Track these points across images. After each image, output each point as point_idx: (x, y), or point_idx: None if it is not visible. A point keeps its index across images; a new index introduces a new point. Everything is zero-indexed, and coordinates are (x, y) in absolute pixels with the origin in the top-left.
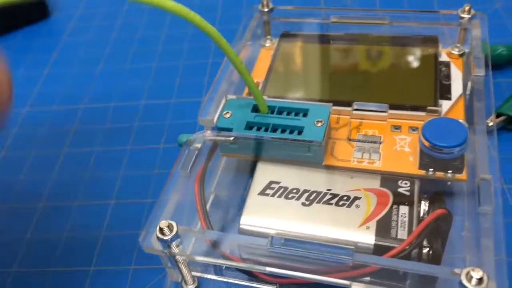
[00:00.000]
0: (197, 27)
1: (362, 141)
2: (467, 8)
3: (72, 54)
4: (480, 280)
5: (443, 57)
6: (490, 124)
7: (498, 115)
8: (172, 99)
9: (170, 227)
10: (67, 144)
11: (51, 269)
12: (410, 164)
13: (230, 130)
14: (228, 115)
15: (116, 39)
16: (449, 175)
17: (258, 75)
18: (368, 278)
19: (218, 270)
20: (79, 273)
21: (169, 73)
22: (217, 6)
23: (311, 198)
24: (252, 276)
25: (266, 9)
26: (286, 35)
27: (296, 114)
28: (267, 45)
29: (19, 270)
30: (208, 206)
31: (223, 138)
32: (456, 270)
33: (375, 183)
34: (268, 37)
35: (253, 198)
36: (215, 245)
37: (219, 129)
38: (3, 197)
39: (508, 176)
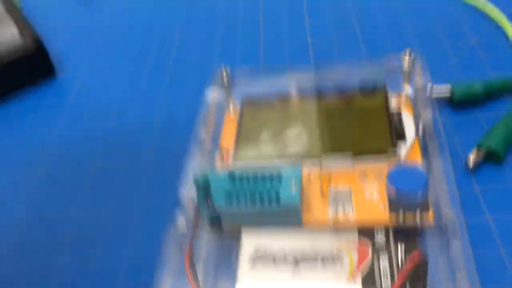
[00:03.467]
0: None
1: (334, 194)
2: (407, 51)
3: (81, 112)
4: None
5: (393, 102)
6: (472, 157)
7: (478, 149)
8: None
9: None
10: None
11: None
12: (381, 211)
13: None
14: None
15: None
16: (417, 217)
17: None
18: None
19: None
20: None
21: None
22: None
23: (298, 258)
24: None
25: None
26: (247, 101)
27: (269, 179)
28: (231, 108)
29: None
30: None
31: None
32: None
33: (354, 237)
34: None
35: (244, 265)
36: None
37: None
38: None
39: (492, 207)
